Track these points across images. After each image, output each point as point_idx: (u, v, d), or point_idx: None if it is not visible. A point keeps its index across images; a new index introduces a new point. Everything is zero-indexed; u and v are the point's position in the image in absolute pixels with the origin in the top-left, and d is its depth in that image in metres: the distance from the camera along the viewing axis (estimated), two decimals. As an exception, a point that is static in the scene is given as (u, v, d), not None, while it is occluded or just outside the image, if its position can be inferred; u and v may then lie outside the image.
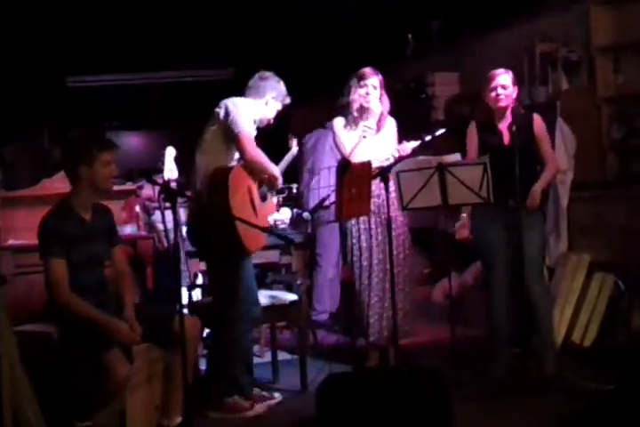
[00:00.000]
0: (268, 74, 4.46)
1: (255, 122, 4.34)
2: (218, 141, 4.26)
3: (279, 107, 4.45)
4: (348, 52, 7.50)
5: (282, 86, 4.45)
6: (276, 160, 4.54)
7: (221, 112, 4.24)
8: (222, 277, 4.26)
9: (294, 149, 4.59)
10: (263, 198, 4.42)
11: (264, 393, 4.47)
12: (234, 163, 4.28)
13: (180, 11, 6.82)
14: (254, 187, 4.32)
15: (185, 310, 4.10)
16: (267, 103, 4.40)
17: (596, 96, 5.74)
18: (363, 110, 4.80)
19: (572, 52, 5.95)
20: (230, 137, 4.21)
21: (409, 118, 5.01)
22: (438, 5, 7.10)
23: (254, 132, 4.29)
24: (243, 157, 4.23)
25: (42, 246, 3.61)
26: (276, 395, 4.49)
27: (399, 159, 4.57)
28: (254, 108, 4.34)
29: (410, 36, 7.78)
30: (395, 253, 4.70)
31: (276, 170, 4.41)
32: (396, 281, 4.70)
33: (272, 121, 4.47)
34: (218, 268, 4.30)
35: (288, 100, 4.48)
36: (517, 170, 4.31)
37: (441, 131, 4.72)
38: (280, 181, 4.46)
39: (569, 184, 5.44)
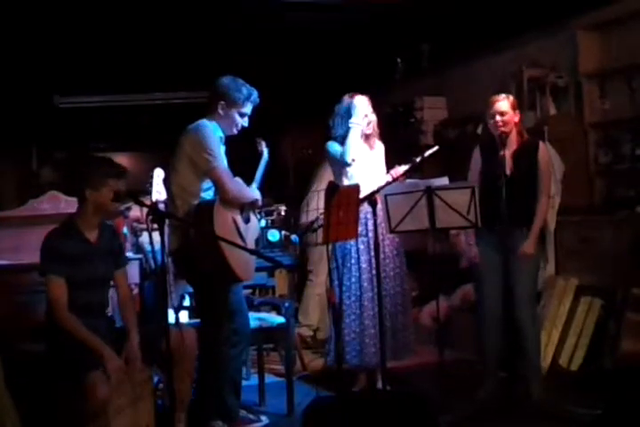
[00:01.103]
0: (214, 85, 4.28)
1: (222, 139, 4.24)
2: (188, 171, 4.14)
3: (245, 109, 4.26)
4: (336, 75, 7.53)
5: (231, 88, 4.21)
6: (252, 168, 4.48)
7: (186, 144, 4.14)
8: (210, 302, 4.23)
9: (265, 153, 4.53)
10: (246, 221, 4.40)
11: (250, 416, 4.44)
12: (205, 194, 4.18)
13: (170, 32, 6.83)
14: (237, 214, 4.29)
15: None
16: (223, 115, 4.24)
17: (584, 121, 5.79)
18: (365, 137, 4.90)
19: (560, 78, 6.01)
20: (201, 168, 4.10)
21: (398, 142, 5.03)
22: (427, 30, 7.14)
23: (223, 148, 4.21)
24: (222, 195, 4.12)
25: (42, 263, 3.62)
26: (263, 418, 4.46)
27: (392, 182, 4.57)
28: (214, 128, 4.20)
29: (399, 60, 7.82)
30: (392, 273, 4.75)
31: (255, 192, 4.38)
32: (396, 301, 4.74)
33: (246, 123, 4.30)
34: (206, 293, 4.24)
35: (252, 98, 4.26)
36: (504, 195, 4.32)
37: (433, 149, 4.70)
38: (260, 201, 4.43)
39: (556, 209, 5.46)
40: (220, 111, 4.24)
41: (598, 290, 5.21)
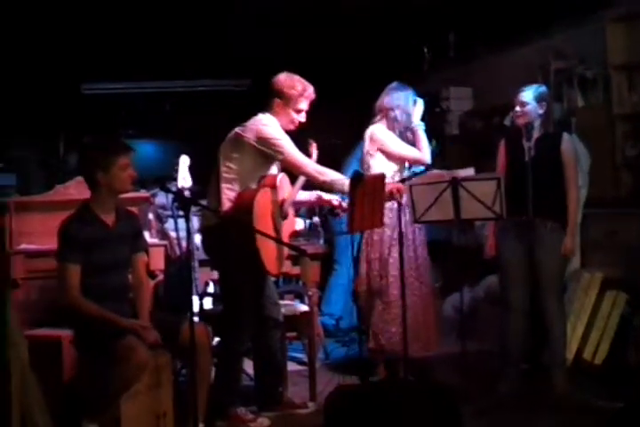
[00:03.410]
0: (270, 82, 4.31)
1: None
2: (251, 161, 4.18)
3: (300, 105, 4.28)
4: (364, 64, 7.52)
5: (286, 85, 4.25)
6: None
7: (251, 136, 4.15)
8: (234, 286, 4.24)
9: (314, 155, 4.53)
10: (284, 217, 4.42)
11: (295, 401, 4.50)
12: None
13: (197, 20, 6.85)
14: (276, 209, 4.29)
15: (196, 318, 4.11)
16: (279, 111, 4.27)
17: (611, 113, 5.74)
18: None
19: (588, 70, 5.95)
20: (272, 158, 4.18)
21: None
22: (454, 20, 7.11)
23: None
24: (310, 179, 4.25)
25: (59, 250, 3.64)
26: (310, 404, 4.50)
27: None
28: (276, 123, 4.25)
29: (425, 49, 7.80)
30: (415, 264, 4.75)
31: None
32: (419, 293, 4.75)
33: (303, 118, 4.32)
34: (232, 279, 4.26)
35: (306, 93, 4.27)
36: (530, 186, 4.31)
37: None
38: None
39: (583, 201, 5.42)
40: (276, 108, 4.28)
41: (624, 284, 5.18)
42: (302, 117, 4.32)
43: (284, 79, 4.28)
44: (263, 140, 4.14)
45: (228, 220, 4.06)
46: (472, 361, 4.53)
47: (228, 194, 4.16)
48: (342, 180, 4.18)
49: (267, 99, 4.30)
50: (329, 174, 4.23)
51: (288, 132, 4.31)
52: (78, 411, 3.66)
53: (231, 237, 4.02)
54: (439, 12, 6.77)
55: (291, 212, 4.51)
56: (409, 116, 4.92)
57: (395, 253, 4.76)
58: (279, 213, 4.31)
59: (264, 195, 4.12)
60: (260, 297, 4.32)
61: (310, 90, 4.30)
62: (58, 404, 3.65)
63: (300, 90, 4.26)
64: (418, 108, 4.98)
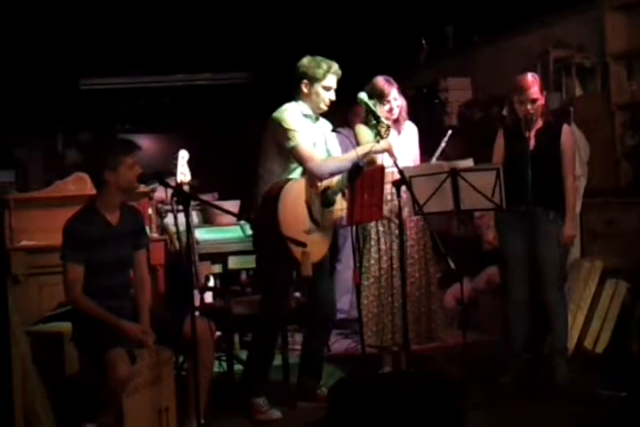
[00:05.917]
0: (295, 68, 4.30)
1: (311, 118, 4.29)
2: (275, 154, 4.22)
3: (327, 82, 4.25)
4: (362, 56, 7.50)
5: (311, 65, 4.24)
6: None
7: (271, 128, 4.21)
8: (268, 282, 4.33)
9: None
10: (328, 204, 4.39)
11: (319, 391, 4.51)
12: (295, 174, 4.25)
13: (196, 13, 6.84)
14: (314, 198, 4.29)
15: (196, 313, 4.12)
16: (308, 92, 4.26)
17: (610, 102, 5.73)
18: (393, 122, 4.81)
19: (587, 59, 5.95)
20: (286, 149, 4.17)
21: (422, 124, 4.99)
22: (452, 11, 7.09)
23: (309, 133, 4.24)
24: (309, 173, 4.21)
25: (63, 249, 3.63)
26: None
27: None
28: (297, 108, 4.25)
29: (423, 41, 7.78)
30: (417, 256, 4.75)
31: (358, 151, 4.27)
32: (420, 285, 4.74)
33: (333, 96, 4.29)
34: (267, 271, 4.33)
35: (332, 70, 4.25)
36: (529, 176, 4.30)
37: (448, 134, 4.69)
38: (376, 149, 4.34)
39: (582, 191, 5.42)
40: (305, 90, 4.27)
41: (624, 273, 5.18)
42: (332, 95, 4.30)
43: (308, 60, 4.28)
44: (277, 128, 4.17)
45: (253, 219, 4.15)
46: (473, 352, 4.53)
47: (263, 189, 4.22)
48: (345, 157, 4.26)
49: (294, 86, 4.29)
50: (330, 164, 4.24)
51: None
52: (78, 408, 3.67)
53: (262, 235, 4.13)
54: (437, 2, 6.75)
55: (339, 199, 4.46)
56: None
57: (382, 246, 4.76)
58: (319, 200, 4.32)
59: (296, 184, 4.14)
60: (314, 291, 4.45)
61: (336, 66, 4.29)
62: (59, 399, 3.65)
63: (325, 67, 4.25)
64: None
